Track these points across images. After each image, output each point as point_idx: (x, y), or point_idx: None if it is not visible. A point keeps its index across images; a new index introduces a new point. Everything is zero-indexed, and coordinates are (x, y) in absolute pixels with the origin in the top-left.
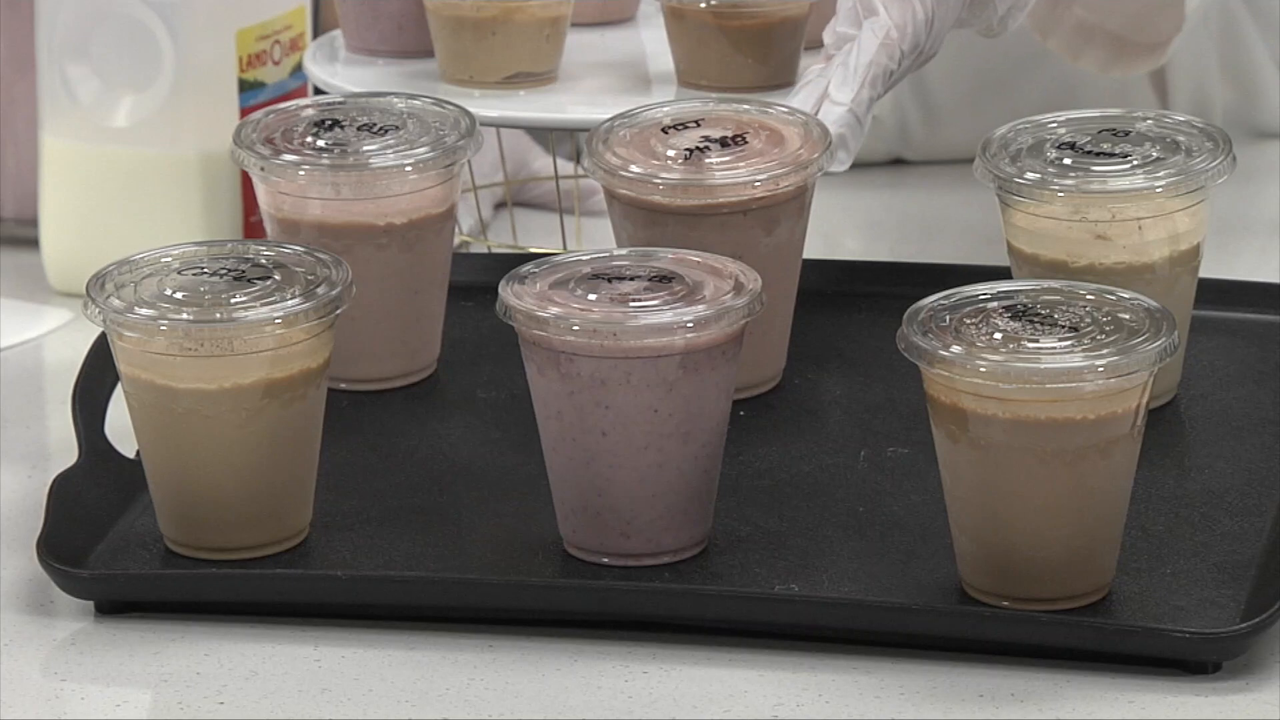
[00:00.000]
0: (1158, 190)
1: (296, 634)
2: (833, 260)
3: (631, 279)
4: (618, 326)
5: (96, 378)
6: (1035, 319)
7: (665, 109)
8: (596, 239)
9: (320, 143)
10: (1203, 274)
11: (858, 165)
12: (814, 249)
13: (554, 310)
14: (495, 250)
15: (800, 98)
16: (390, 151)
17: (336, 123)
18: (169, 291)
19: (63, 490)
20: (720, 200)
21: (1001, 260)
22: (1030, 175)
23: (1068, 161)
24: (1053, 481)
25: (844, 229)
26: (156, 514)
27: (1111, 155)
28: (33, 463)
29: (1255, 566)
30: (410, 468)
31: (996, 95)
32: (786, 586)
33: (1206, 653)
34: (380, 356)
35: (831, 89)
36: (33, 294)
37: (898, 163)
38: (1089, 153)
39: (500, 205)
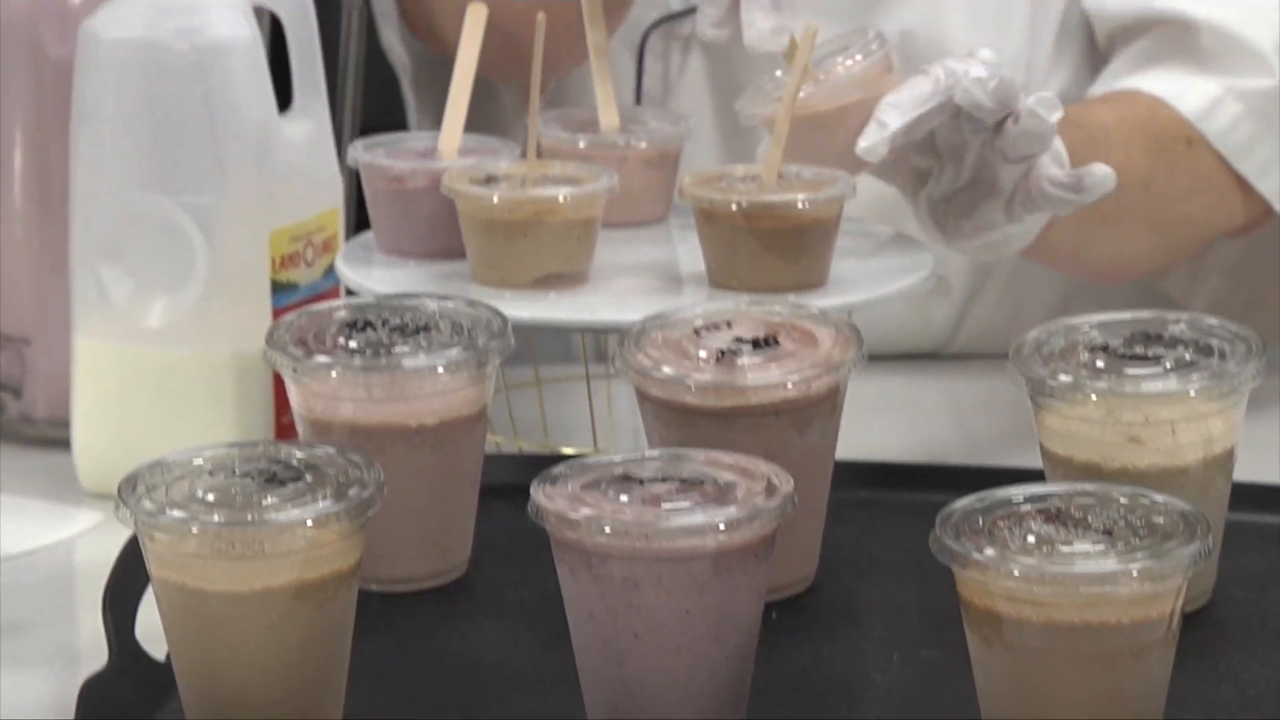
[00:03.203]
0: (1191, 394)
1: None
2: (865, 461)
3: (663, 480)
4: (649, 528)
5: (127, 579)
6: (1069, 522)
7: (697, 310)
8: (628, 439)
9: (353, 344)
10: (1236, 478)
11: (891, 357)
12: (846, 438)
13: (586, 512)
14: (527, 451)
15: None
16: (422, 353)
17: (369, 324)
18: (200, 493)
19: (93, 693)
20: (752, 401)
21: (1035, 455)
22: (1063, 377)
23: (1101, 364)
24: (1087, 685)
25: (878, 421)
26: (186, 716)
27: (1145, 358)
28: (63, 664)
29: None
30: (441, 668)
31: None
32: None
33: None
34: (411, 557)
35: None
36: (64, 495)
37: (931, 356)
38: (1122, 355)
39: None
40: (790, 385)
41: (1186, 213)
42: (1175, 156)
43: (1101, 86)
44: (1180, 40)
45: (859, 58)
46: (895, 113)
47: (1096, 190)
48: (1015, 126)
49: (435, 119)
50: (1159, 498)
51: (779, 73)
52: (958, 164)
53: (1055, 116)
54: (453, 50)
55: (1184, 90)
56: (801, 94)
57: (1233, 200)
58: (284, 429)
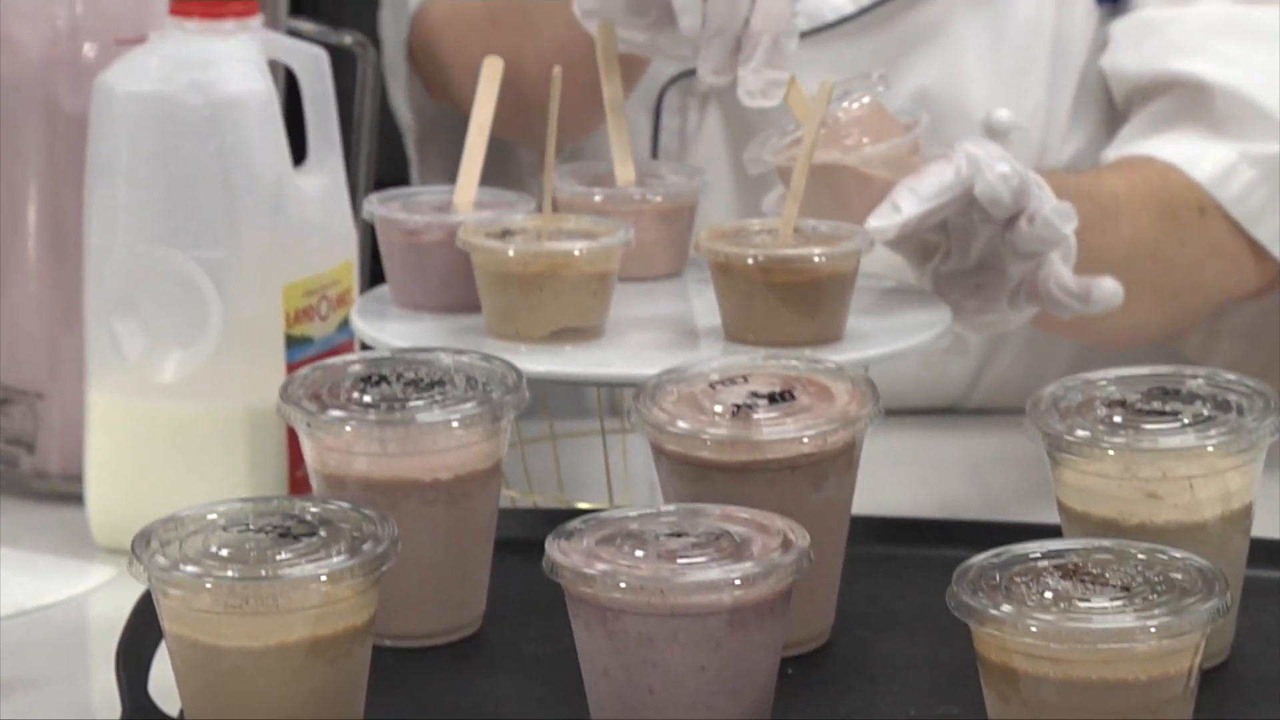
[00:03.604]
0: (1209, 449)
1: None
2: (881, 516)
3: (679, 535)
4: (665, 583)
5: (141, 635)
6: (1087, 578)
7: (713, 364)
8: (644, 494)
9: (367, 398)
10: (1254, 533)
11: (907, 412)
12: (862, 493)
13: (601, 567)
14: (542, 505)
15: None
16: (437, 407)
17: (383, 378)
18: (214, 548)
19: None
20: (768, 456)
21: (1053, 511)
22: (1080, 433)
23: (1118, 419)
24: None
25: (894, 476)
26: None
27: (1162, 413)
28: None
29: None
30: None
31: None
32: None
33: None
34: (426, 612)
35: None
36: (78, 550)
37: (948, 411)
38: (1140, 411)
39: None
40: (806, 440)
41: (1197, 280)
42: (1186, 225)
43: (1116, 149)
44: (1195, 103)
45: (865, 100)
46: (912, 200)
47: (1104, 305)
48: (1029, 227)
49: (440, 178)
50: (1177, 554)
51: (790, 129)
52: (965, 247)
53: (1069, 228)
54: (466, 106)
55: (1198, 156)
56: (826, 155)
57: (1245, 266)
58: (298, 484)
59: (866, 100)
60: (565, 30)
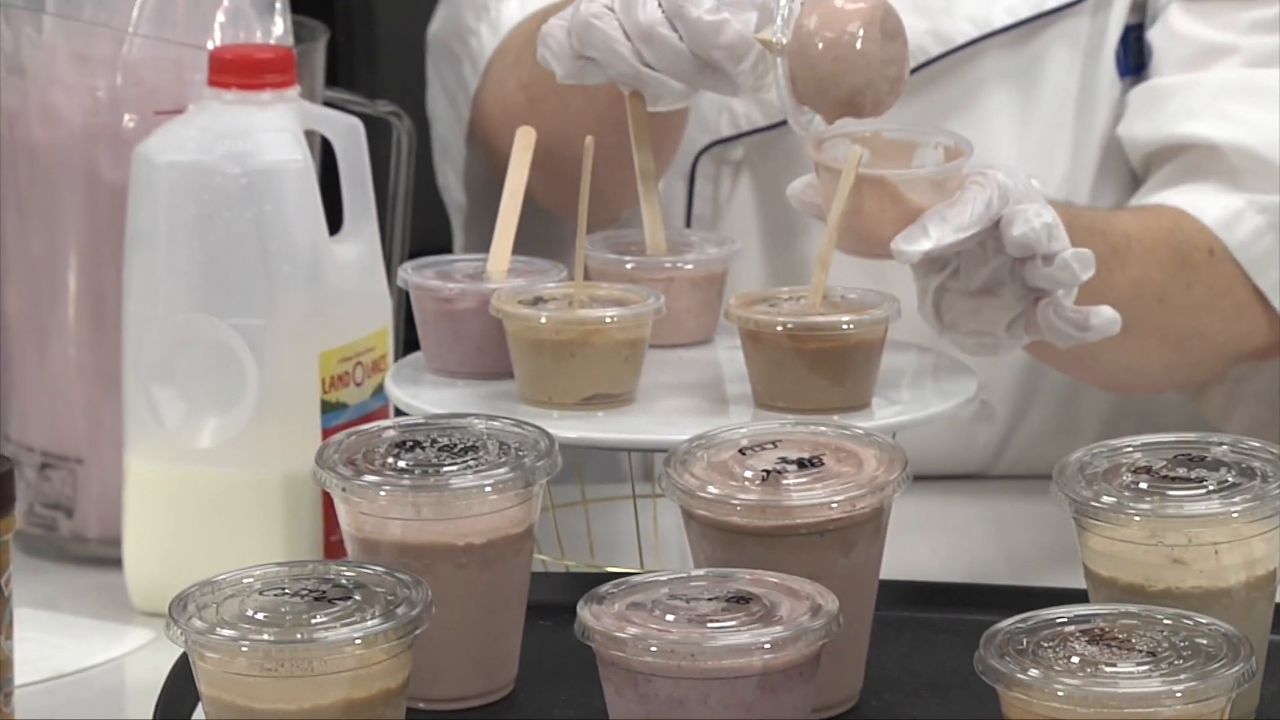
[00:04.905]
0: (1234, 515)
1: None
2: (909, 581)
3: (709, 600)
4: (695, 647)
5: (178, 698)
6: (1113, 643)
7: (742, 430)
8: (675, 558)
9: (401, 464)
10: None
11: (935, 477)
12: (890, 557)
13: (632, 630)
14: (573, 570)
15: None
16: (470, 472)
17: (417, 444)
18: (250, 612)
19: None
20: (797, 521)
21: (1079, 575)
22: (1106, 499)
23: (1144, 486)
24: None
25: (922, 541)
26: None
27: (1187, 480)
28: None
29: None
30: None
31: (1072, 415)
32: None
33: None
34: (458, 676)
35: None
36: (116, 614)
37: (976, 477)
38: (1165, 477)
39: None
40: (835, 506)
41: (1201, 327)
42: (1194, 269)
43: (1133, 205)
44: (1206, 161)
45: (940, 156)
46: (944, 228)
47: (1101, 332)
48: (1045, 267)
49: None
50: (1202, 619)
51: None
52: (973, 271)
53: (1087, 274)
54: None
55: (1207, 202)
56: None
57: (1253, 318)
58: (333, 548)
59: (943, 158)
60: (606, 111)
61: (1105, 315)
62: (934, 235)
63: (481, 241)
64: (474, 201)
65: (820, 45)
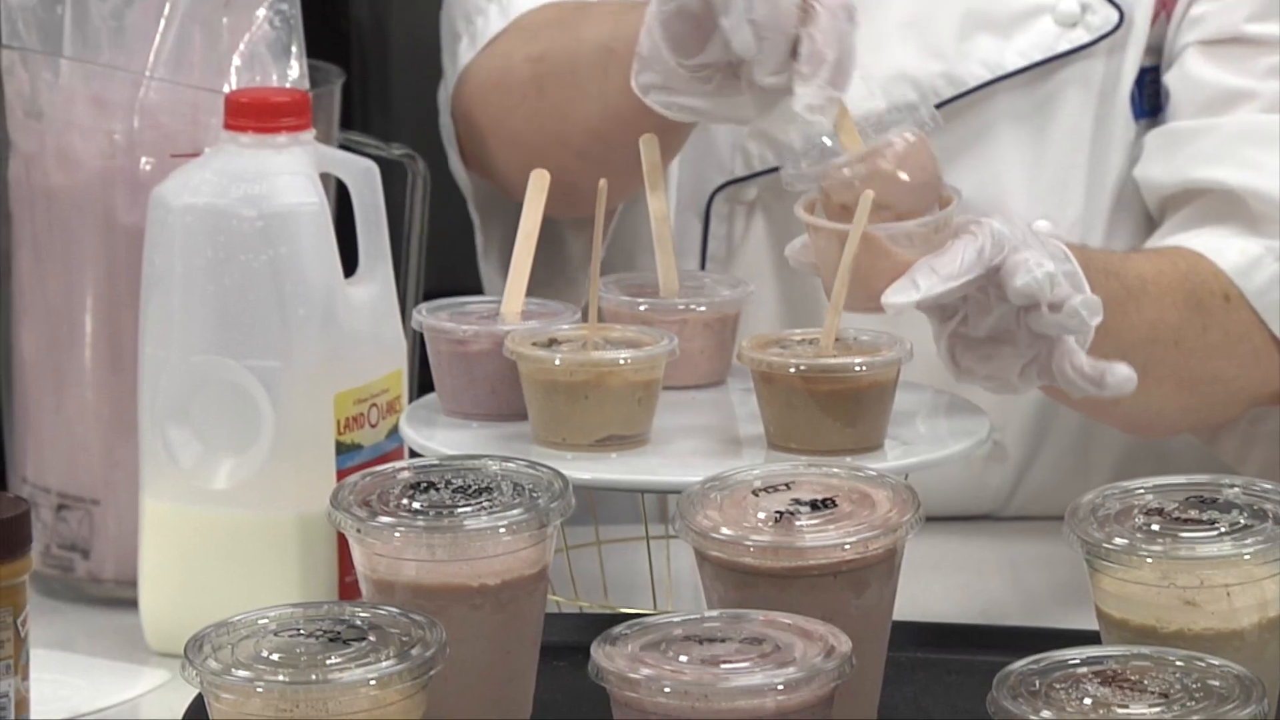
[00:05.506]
0: (1246, 557)
1: None
2: (922, 622)
3: (722, 641)
4: (709, 688)
5: None
6: (1125, 685)
7: (755, 472)
8: (688, 599)
9: (416, 505)
10: None
11: (947, 518)
12: (903, 598)
13: (646, 672)
14: (587, 611)
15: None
16: (484, 514)
17: (432, 485)
18: (265, 653)
19: None
20: (810, 563)
21: (1091, 617)
22: (1118, 541)
23: (1156, 527)
24: None
25: (935, 582)
26: None
27: (1199, 522)
28: None
29: None
30: None
31: (1084, 457)
32: None
33: None
34: (473, 716)
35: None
36: (131, 654)
37: (988, 518)
38: (1177, 519)
39: None
40: (848, 547)
41: (1217, 371)
42: (1211, 312)
43: (1149, 247)
44: (1224, 206)
45: (909, 136)
46: (933, 279)
47: (1117, 391)
48: (1051, 314)
49: (501, 242)
50: (1215, 661)
51: (827, 140)
52: (979, 319)
53: (1095, 321)
54: (500, 178)
55: (1224, 246)
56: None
57: (1269, 363)
58: (347, 589)
59: (910, 137)
60: (615, 97)
61: (1121, 374)
62: (923, 286)
63: (496, 218)
64: (478, 182)
65: (905, 178)
